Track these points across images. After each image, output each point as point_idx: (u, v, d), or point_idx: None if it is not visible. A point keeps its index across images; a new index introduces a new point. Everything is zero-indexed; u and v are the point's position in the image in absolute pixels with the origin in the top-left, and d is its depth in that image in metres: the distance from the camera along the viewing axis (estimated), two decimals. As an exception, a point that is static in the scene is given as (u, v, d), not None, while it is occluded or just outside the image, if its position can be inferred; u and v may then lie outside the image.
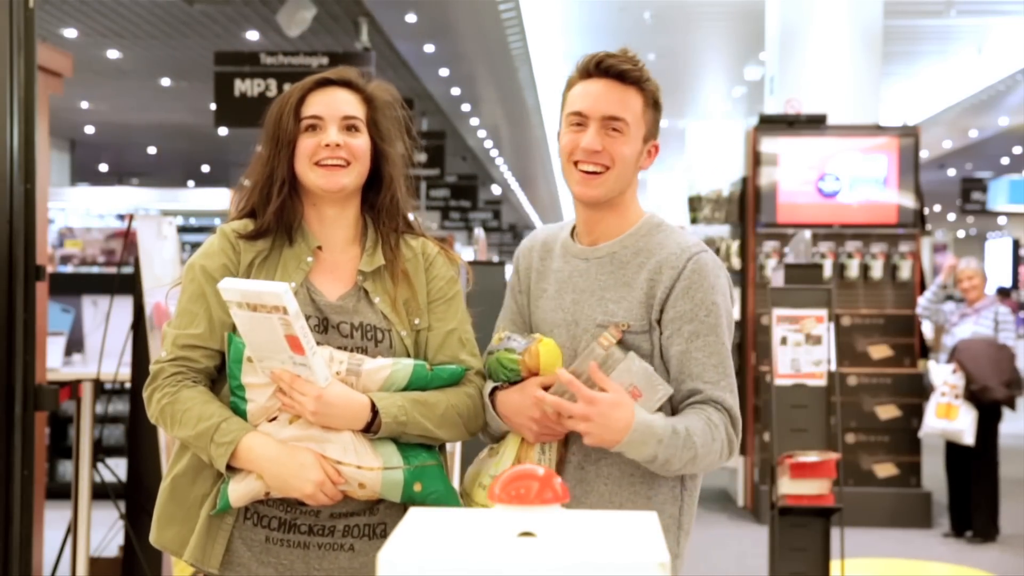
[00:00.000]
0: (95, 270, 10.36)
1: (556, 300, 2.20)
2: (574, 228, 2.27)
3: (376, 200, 2.27)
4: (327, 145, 2.18)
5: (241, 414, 2.11)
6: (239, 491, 2.10)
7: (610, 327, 2.10)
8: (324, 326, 2.15)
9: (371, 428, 2.09)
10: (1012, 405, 7.19)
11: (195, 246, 14.76)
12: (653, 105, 2.18)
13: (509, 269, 2.47)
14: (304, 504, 2.11)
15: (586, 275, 2.18)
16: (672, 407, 2.12)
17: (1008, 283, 24.71)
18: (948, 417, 7.08)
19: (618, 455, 2.07)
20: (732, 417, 2.11)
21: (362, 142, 2.23)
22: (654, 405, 2.06)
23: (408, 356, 2.18)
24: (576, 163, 2.16)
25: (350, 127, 2.23)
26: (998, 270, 25.92)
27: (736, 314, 8.72)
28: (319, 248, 2.21)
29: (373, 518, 2.17)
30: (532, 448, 2.15)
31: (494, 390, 2.17)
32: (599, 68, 2.13)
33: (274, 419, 2.12)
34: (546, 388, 2.07)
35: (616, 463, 2.11)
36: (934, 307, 7.66)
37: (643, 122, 2.16)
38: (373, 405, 2.08)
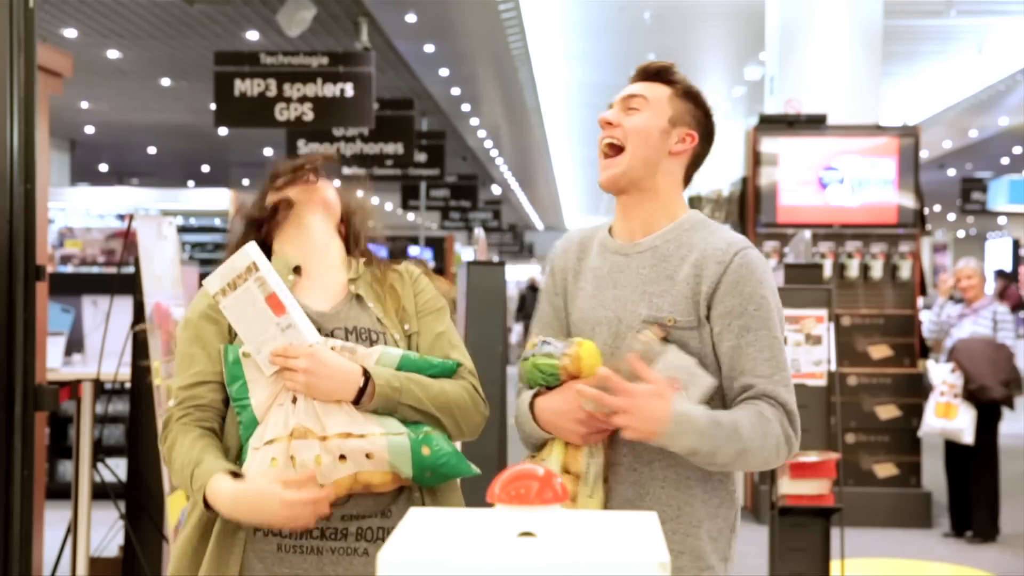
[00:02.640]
0: (95, 270, 10.36)
1: (596, 298, 2.16)
2: (611, 227, 2.27)
3: (349, 237, 2.38)
4: (306, 180, 2.33)
5: (249, 421, 2.11)
6: None
7: (654, 325, 2.07)
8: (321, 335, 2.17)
9: (362, 399, 2.07)
10: (1011, 404, 7.18)
11: (195, 246, 14.79)
12: (684, 96, 2.19)
13: (509, 269, 2.48)
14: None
15: (626, 270, 2.15)
16: (726, 404, 2.08)
17: (1008, 268, 24.71)
18: (947, 416, 7.08)
19: (671, 456, 2.04)
20: (788, 412, 2.05)
21: (333, 195, 2.36)
22: (697, 397, 2.02)
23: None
24: (601, 150, 2.18)
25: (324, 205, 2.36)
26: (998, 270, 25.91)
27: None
28: (298, 268, 2.26)
29: (387, 521, 2.13)
30: (579, 451, 2.10)
31: (533, 398, 2.15)
32: (635, 73, 2.22)
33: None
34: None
35: (671, 465, 2.07)
36: (939, 323, 7.63)
37: (668, 106, 2.17)
38: (366, 372, 2.09)
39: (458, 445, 2.24)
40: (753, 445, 1.99)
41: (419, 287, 2.33)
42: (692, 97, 2.19)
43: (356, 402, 2.07)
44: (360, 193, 2.46)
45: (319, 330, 2.15)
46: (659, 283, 2.10)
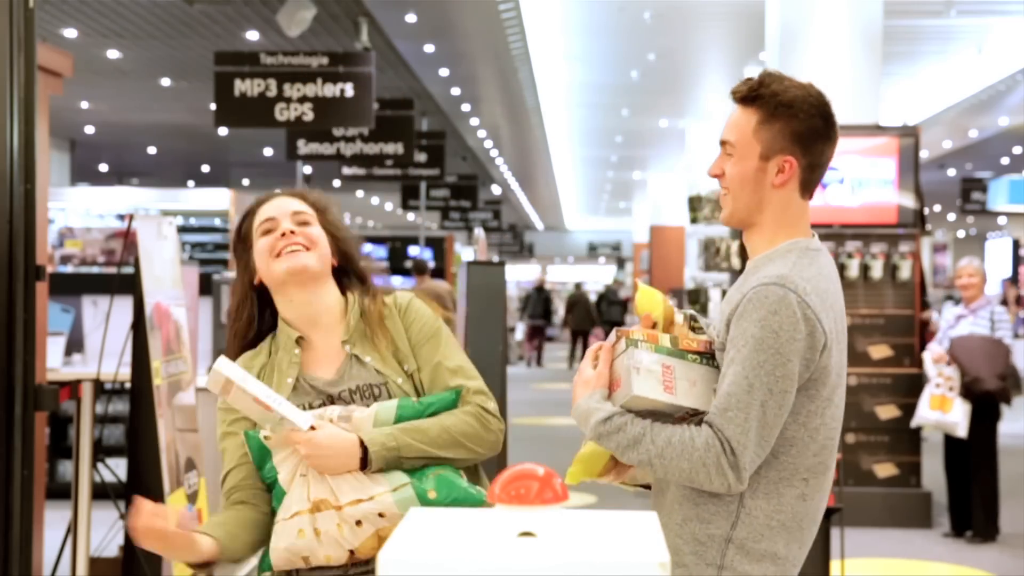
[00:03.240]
0: (95, 270, 10.36)
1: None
2: None
3: (347, 277, 2.44)
4: (282, 235, 2.34)
5: (279, 494, 2.29)
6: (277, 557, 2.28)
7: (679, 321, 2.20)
8: (330, 402, 2.32)
9: (366, 463, 2.20)
10: (1007, 399, 7.17)
11: (195, 246, 14.78)
12: (773, 116, 2.15)
13: (509, 269, 2.51)
14: (331, 567, 2.24)
15: (737, 284, 2.24)
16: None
17: (1010, 274, 24.72)
18: (942, 409, 7.07)
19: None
20: (728, 447, 2.03)
21: (317, 231, 2.38)
22: (622, 402, 2.10)
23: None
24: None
25: (301, 222, 2.38)
26: (998, 270, 25.91)
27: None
28: (300, 339, 2.37)
29: None
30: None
31: None
32: (731, 93, 2.24)
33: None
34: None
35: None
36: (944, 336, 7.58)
37: (756, 140, 2.15)
38: (362, 441, 2.21)
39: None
40: (661, 461, 2.06)
41: (409, 319, 2.39)
42: (784, 111, 2.15)
43: (363, 468, 2.21)
44: (335, 211, 2.49)
45: (329, 397, 2.31)
46: (728, 304, 2.16)
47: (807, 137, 2.15)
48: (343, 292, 2.42)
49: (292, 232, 2.33)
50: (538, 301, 23.81)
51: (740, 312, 2.08)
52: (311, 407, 2.28)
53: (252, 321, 2.42)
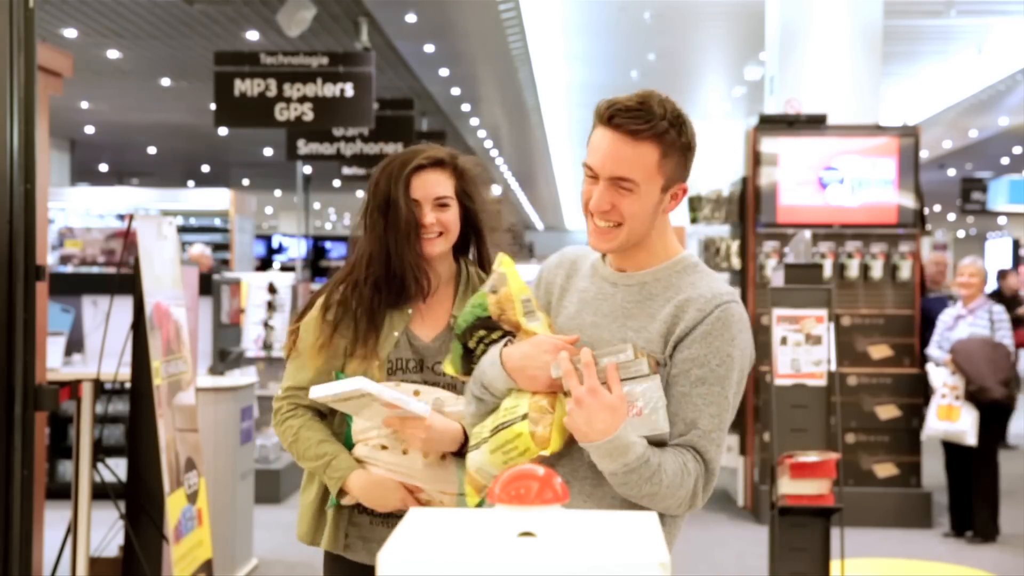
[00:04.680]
0: (95, 270, 10.36)
1: (575, 320, 2.16)
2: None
3: (470, 249, 2.73)
4: (429, 224, 2.60)
5: (348, 434, 2.61)
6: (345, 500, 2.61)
7: (650, 355, 2.04)
8: (420, 366, 2.59)
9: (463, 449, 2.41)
10: (1012, 404, 7.18)
11: (206, 245, 14.78)
12: (678, 150, 2.08)
13: None
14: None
15: (611, 300, 2.14)
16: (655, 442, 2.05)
17: (1009, 265, 24.70)
18: (949, 419, 7.07)
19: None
20: (709, 471, 2.04)
21: (451, 215, 2.62)
22: (644, 434, 2.01)
23: None
24: (591, 213, 2.11)
25: (442, 205, 2.61)
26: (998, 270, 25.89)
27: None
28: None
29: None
30: (545, 397, 2.08)
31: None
32: (611, 122, 2.05)
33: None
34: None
35: (605, 485, 2.09)
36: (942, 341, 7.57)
37: (659, 175, 2.07)
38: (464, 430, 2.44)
39: None
40: (665, 493, 2.00)
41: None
42: (685, 144, 2.09)
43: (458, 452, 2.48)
44: (480, 178, 2.72)
45: (422, 362, 2.59)
46: (639, 319, 2.09)
47: (691, 162, 2.15)
48: (457, 257, 2.68)
49: (432, 224, 2.58)
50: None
51: (708, 330, 2.04)
52: (405, 365, 2.57)
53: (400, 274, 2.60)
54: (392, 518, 2.61)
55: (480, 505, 2.21)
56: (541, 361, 2.06)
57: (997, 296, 11.34)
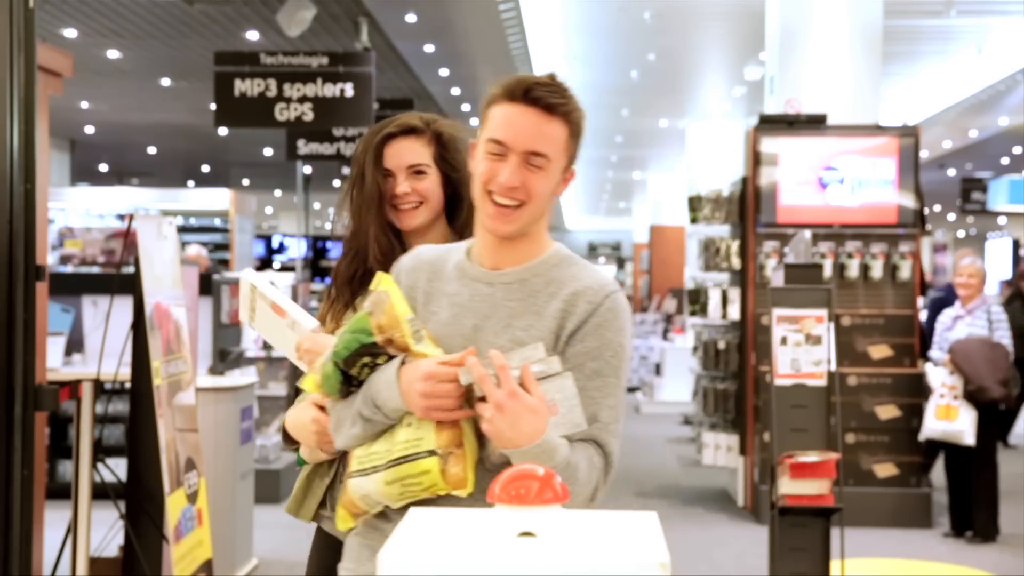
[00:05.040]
0: (95, 270, 10.36)
1: (453, 326, 2.04)
2: (469, 250, 2.12)
3: (458, 219, 2.54)
4: (402, 194, 2.49)
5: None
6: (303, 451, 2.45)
7: (553, 354, 1.97)
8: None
9: None
10: (1010, 403, 7.18)
11: (202, 246, 14.77)
12: (576, 135, 2.06)
13: None
14: None
15: (489, 300, 2.04)
16: None
17: (1009, 276, 24.72)
18: (948, 419, 7.07)
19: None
20: (609, 464, 2.01)
21: (429, 183, 2.50)
22: (563, 433, 1.94)
23: None
24: (490, 192, 2.01)
25: (417, 172, 2.51)
26: (998, 270, 25.91)
27: (736, 314, 8.72)
28: None
29: None
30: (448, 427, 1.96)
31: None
32: (527, 96, 2.00)
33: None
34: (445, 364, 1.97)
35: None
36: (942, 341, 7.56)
37: (564, 155, 2.04)
38: None
39: None
40: (578, 491, 1.97)
41: None
42: (579, 126, 2.07)
43: None
44: (460, 143, 2.55)
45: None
46: (524, 317, 2.02)
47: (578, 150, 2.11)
48: (451, 223, 2.54)
49: (406, 193, 2.48)
50: None
51: (600, 322, 2.01)
52: None
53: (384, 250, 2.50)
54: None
55: (351, 531, 2.10)
56: (442, 389, 1.93)
57: (1019, 296, 11.25)
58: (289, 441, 2.43)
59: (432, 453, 1.93)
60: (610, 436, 2.01)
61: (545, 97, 2.01)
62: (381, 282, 2.03)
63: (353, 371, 2.00)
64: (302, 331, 2.40)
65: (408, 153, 2.50)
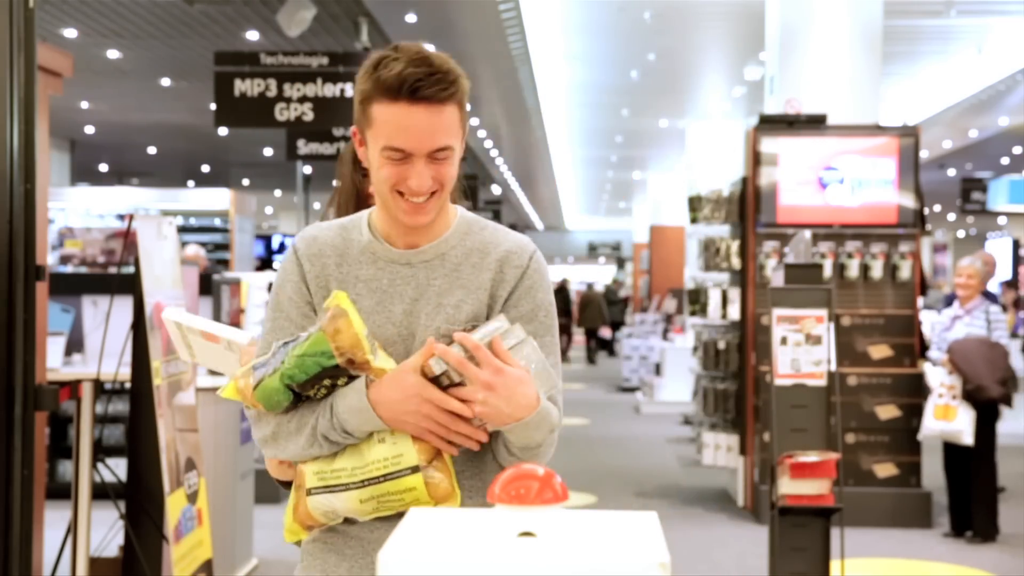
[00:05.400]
0: (95, 270, 10.36)
1: (381, 314, 1.95)
2: (370, 228, 2.02)
3: None
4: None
5: None
6: None
7: (455, 332, 1.92)
8: None
9: None
10: (1009, 403, 7.18)
11: (199, 246, 14.78)
12: (464, 104, 1.96)
13: None
14: None
15: (413, 281, 1.97)
16: None
17: (1010, 277, 24.70)
18: (946, 418, 7.07)
19: (490, 469, 1.96)
20: (559, 423, 1.99)
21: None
22: (544, 394, 1.92)
23: None
24: (401, 193, 1.93)
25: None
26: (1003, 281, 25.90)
27: (736, 314, 8.71)
28: None
29: None
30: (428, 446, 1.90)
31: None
32: (415, 96, 1.87)
33: None
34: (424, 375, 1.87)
35: (477, 474, 1.97)
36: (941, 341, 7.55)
37: (462, 129, 1.96)
38: None
39: None
40: (552, 450, 1.97)
41: None
42: (464, 92, 1.96)
43: None
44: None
45: None
46: (454, 294, 1.96)
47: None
48: None
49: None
50: (559, 300, 23.93)
51: (530, 284, 1.98)
52: None
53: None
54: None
55: (299, 543, 2.05)
56: (413, 407, 1.86)
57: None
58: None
59: (415, 470, 1.88)
60: (558, 393, 1.98)
61: (435, 94, 1.89)
62: (336, 298, 1.90)
63: (309, 392, 1.90)
64: (239, 348, 2.41)
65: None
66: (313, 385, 1.89)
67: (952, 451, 7.36)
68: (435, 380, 1.86)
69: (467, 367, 1.82)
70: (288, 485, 2.36)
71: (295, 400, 1.92)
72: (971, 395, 7.01)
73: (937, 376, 7.17)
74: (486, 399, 1.82)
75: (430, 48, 1.95)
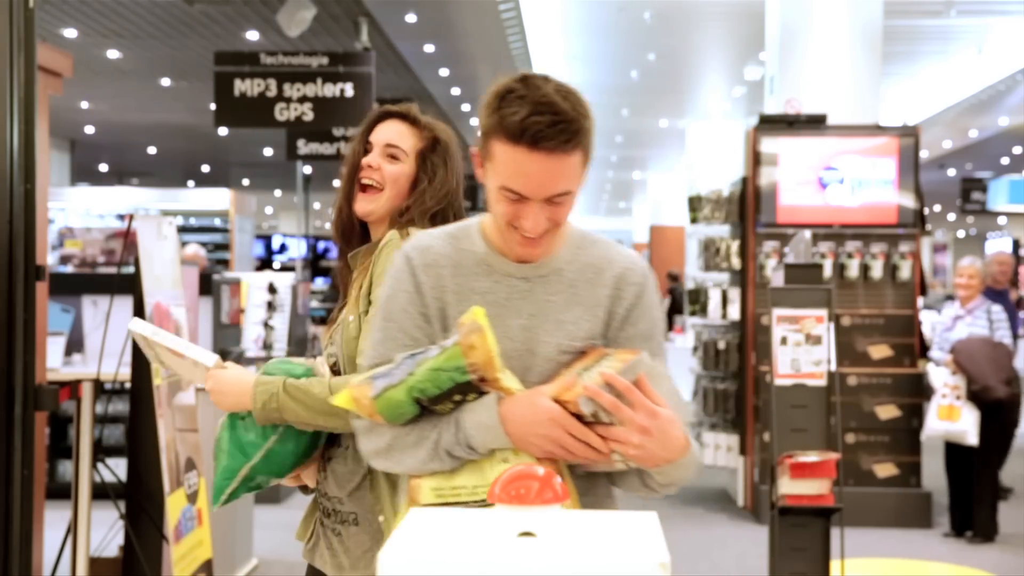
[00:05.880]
0: (95, 270, 10.35)
1: (498, 328, 1.87)
2: (484, 238, 1.98)
3: (401, 219, 2.40)
4: (367, 166, 2.40)
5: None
6: None
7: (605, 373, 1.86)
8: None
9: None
10: (1016, 403, 7.18)
11: (199, 246, 14.80)
12: (589, 147, 1.90)
13: None
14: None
15: (531, 297, 1.93)
16: None
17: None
18: (950, 419, 7.07)
19: (601, 483, 1.94)
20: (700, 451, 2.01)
21: (396, 170, 2.39)
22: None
23: (351, 340, 2.29)
24: (516, 228, 1.90)
25: (391, 155, 2.41)
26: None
27: (736, 314, 8.71)
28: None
29: (342, 507, 2.36)
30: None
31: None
32: (537, 145, 1.82)
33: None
34: (561, 404, 1.81)
35: (595, 490, 1.95)
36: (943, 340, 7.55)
37: (583, 170, 1.90)
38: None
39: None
40: (693, 473, 1.94)
41: (374, 270, 2.28)
42: (589, 133, 1.91)
43: None
44: (449, 152, 2.45)
45: (333, 336, 2.39)
46: (572, 311, 1.93)
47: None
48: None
49: (369, 167, 2.38)
50: None
51: (647, 302, 1.97)
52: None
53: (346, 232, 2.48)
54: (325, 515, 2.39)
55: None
56: (544, 432, 1.82)
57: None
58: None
59: None
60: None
61: (558, 146, 1.82)
62: (475, 313, 1.83)
63: (438, 408, 1.85)
64: (205, 368, 2.41)
65: (393, 133, 2.41)
66: (443, 400, 1.84)
67: (954, 451, 7.36)
68: (579, 415, 1.79)
69: (622, 411, 1.76)
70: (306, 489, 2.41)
71: (419, 414, 1.87)
72: (977, 396, 7.00)
73: (940, 376, 7.16)
74: (642, 443, 1.76)
75: (559, 83, 1.90)
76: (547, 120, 1.82)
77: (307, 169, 18.96)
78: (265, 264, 23.20)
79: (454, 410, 1.86)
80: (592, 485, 1.94)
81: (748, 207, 8.06)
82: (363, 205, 2.38)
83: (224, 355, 7.44)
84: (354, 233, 2.43)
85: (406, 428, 1.87)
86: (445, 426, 1.86)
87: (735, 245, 8.23)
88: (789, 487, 4.86)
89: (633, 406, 1.75)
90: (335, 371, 2.35)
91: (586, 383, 1.78)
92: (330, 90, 10.13)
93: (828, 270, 7.78)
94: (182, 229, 14.30)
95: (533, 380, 1.88)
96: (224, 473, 2.31)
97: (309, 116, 10.13)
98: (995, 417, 7.18)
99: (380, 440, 1.90)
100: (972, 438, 7.01)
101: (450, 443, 1.85)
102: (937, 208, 31.57)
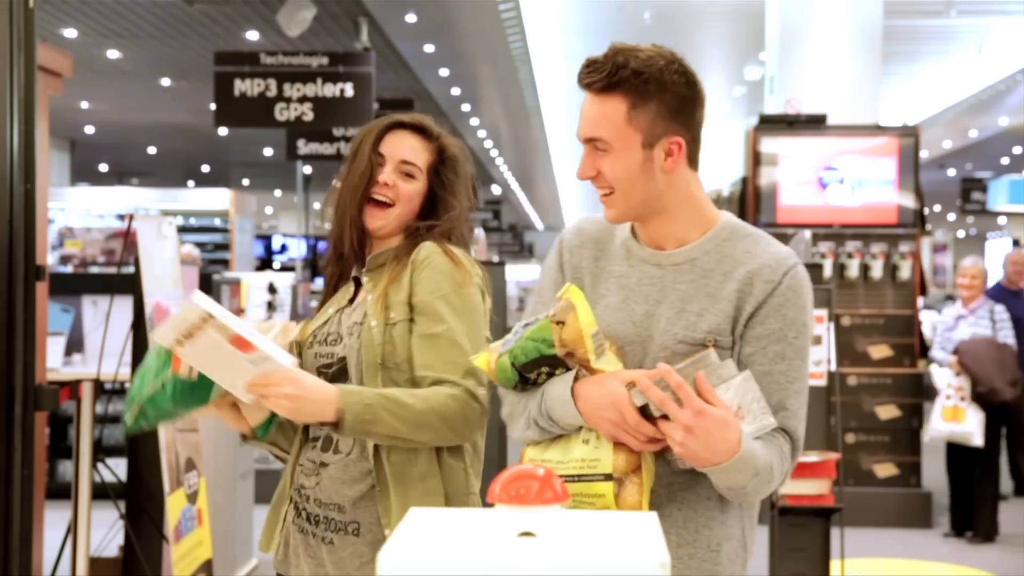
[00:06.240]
0: (95, 270, 10.36)
1: (623, 311, 1.93)
2: (633, 227, 2.01)
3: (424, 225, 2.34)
4: (384, 184, 2.31)
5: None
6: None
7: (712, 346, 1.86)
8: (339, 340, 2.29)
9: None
10: (1021, 404, 7.18)
11: (195, 246, 14.80)
12: (654, 99, 1.88)
13: (509, 269, 2.38)
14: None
15: (659, 283, 1.93)
16: None
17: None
18: (955, 420, 7.06)
19: (692, 477, 1.90)
20: (796, 450, 1.92)
21: (411, 188, 2.33)
22: (753, 434, 1.82)
23: (376, 346, 2.20)
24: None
25: (407, 173, 2.34)
26: (998, 270, 25.89)
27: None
28: (356, 279, 2.36)
29: (340, 515, 2.29)
30: (623, 452, 1.85)
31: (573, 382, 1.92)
32: (581, 82, 1.90)
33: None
34: (630, 385, 1.81)
35: (691, 486, 1.92)
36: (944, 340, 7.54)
37: (632, 129, 1.88)
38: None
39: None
40: (771, 488, 1.90)
41: (416, 280, 2.24)
42: (654, 89, 1.88)
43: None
44: (461, 168, 2.38)
45: (328, 337, 2.29)
46: (699, 301, 1.90)
47: (684, 110, 1.96)
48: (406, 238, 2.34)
49: (385, 184, 2.30)
50: None
51: (781, 301, 1.90)
52: (325, 338, 2.29)
53: (346, 243, 2.36)
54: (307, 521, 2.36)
55: None
56: (604, 415, 1.83)
57: None
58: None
59: (608, 477, 1.83)
60: (798, 422, 1.91)
61: (592, 81, 1.89)
62: (569, 291, 1.87)
63: (530, 375, 1.91)
64: (252, 371, 2.08)
65: (407, 149, 2.33)
66: (532, 369, 1.90)
67: (955, 451, 7.35)
68: (645, 407, 1.80)
69: (669, 406, 1.75)
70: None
71: (522, 382, 1.93)
72: (983, 397, 7.00)
73: (944, 377, 7.16)
74: (684, 441, 1.75)
75: (652, 45, 1.91)
76: (594, 59, 1.89)
77: (307, 169, 18.96)
78: (265, 264, 23.20)
79: (545, 382, 1.91)
80: (694, 483, 1.92)
81: (748, 207, 8.07)
82: (374, 220, 2.31)
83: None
84: (362, 244, 2.36)
85: (517, 397, 1.96)
86: (533, 397, 1.92)
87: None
88: (789, 487, 4.86)
89: (681, 403, 1.74)
90: (323, 373, 2.26)
91: (641, 379, 1.78)
92: (330, 90, 10.13)
93: (828, 270, 7.78)
94: (182, 229, 14.30)
95: (649, 368, 1.87)
96: (129, 398, 2.29)
97: (309, 116, 10.13)
98: (997, 419, 7.18)
99: (504, 407, 2.00)
100: (977, 439, 7.01)
101: (536, 413, 1.91)
102: (937, 208, 31.57)
